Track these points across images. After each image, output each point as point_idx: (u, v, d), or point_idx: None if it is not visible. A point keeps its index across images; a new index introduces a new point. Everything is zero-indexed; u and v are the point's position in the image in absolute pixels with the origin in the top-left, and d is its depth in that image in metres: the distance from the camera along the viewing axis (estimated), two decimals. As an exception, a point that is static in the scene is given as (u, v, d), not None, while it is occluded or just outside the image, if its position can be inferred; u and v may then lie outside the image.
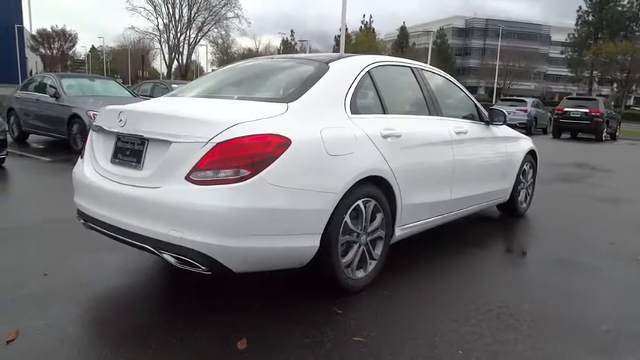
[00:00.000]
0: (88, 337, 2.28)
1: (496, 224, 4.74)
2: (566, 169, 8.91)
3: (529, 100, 19.81)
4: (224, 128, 2.29)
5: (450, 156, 3.55)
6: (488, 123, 4.26)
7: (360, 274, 2.85)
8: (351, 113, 2.83)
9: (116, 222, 2.48)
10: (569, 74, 59.64)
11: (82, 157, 2.93)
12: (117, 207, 2.50)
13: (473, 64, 71.14)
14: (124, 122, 2.59)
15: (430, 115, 3.55)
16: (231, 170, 2.26)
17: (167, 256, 2.33)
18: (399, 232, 3.15)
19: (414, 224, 3.29)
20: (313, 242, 2.51)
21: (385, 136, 2.94)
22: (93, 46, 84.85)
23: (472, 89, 64.52)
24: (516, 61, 60.04)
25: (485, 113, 4.28)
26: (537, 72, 67.23)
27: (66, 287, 2.77)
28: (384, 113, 3.12)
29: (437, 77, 3.92)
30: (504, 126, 4.52)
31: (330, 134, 2.59)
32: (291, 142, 2.38)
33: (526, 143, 4.94)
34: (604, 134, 17.62)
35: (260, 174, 2.27)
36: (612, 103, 22.94)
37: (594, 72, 53.91)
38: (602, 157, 11.93)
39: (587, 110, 17.46)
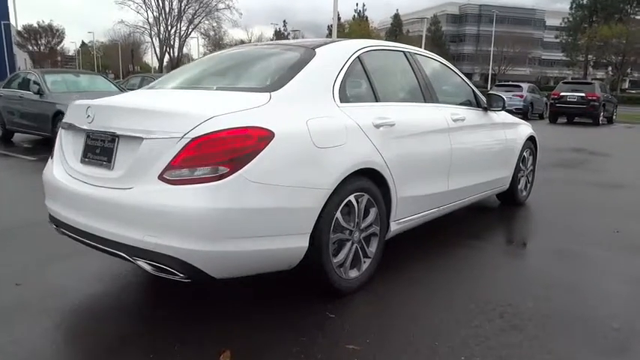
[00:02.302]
0: (58, 354, 2.09)
1: (495, 214, 4.57)
2: (565, 154, 8.74)
3: (525, 86, 19.62)
4: (199, 122, 2.09)
5: (446, 145, 3.36)
6: (486, 109, 4.06)
7: (354, 273, 2.67)
8: (341, 102, 2.64)
9: (87, 227, 2.28)
10: (564, 58, 59.52)
11: (51, 158, 2.73)
12: (87, 211, 2.30)
13: (467, 50, 70.75)
14: (91, 118, 2.38)
15: (425, 102, 3.36)
16: (208, 168, 2.06)
17: (142, 264, 2.14)
18: (394, 227, 2.97)
19: (411, 218, 3.11)
20: (301, 242, 2.33)
21: (378, 126, 2.75)
22: (83, 42, 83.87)
23: (467, 76, 62.90)
24: (511, 47, 59.76)
25: (483, 99, 4.08)
26: (532, 57, 66.98)
27: (39, 298, 2.58)
28: (376, 101, 2.92)
29: (432, 62, 3.71)
30: (503, 112, 4.33)
31: (318, 125, 2.40)
32: (274, 134, 2.18)
33: (525, 129, 4.76)
34: (601, 118, 17.47)
35: (240, 171, 2.07)
36: (608, 87, 22.75)
37: (589, 56, 53.77)
38: (599, 141, 11.78)
39: (583, 94, 17.30)
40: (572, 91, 17.64)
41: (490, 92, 4.20)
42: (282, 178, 2.20)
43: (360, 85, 2.92)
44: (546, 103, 20.16)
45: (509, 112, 4.55)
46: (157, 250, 2.05)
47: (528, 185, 4.93)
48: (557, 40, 60.02)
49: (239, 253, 2.13)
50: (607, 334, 2.30)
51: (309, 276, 2.52)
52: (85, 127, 2.45)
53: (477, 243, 3.62)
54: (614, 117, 19.11)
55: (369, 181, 2.68)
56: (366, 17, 66.57)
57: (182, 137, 2.07)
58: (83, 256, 3.01)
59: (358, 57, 2.90)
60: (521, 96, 18.43)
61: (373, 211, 2.74)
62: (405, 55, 3.37)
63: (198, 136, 2.07)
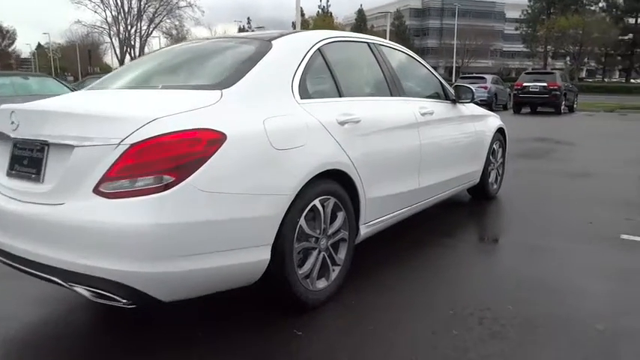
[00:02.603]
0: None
1: (467, 209, 4.44)
2: (531, 144, 8.77)
3: (489, 77, 19.82)
4: (139, 125, 1.83)
5: (416, 140, 3.19)
6: (454, 101, 3.92)
7: (322, 284, 2.46)
8: (301, 98, 2.42)
9: (15, 250, 2.00)
10: (525, 50, 60.85)
11: (-24, 170, 2.41)
12: (15, 231, 2.01)
13: (431, 44, 71.45)
14: (16, 125, 2.09)
15: (392, 95, 3.17)
16: (151, 177, 1.81)
17: (79, 290, 1.87)
18: (364, 231, 2.78)
19: (381, 219, 2.92)
20: (262, 255, 2.10)
21: (342, 123, 2.54)
22: (39, 44, 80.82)
23: (432, 69, 64.77)
24: (473, 40, 60.66)
25: (452, 91, 3.94)
26: (494, 49, 68.14)
27: (-34, 329, 2.27)
28: (340, 96, 2.71)
29: (397, 53, 3.53)
30: (472, 104, 4.20)
31: (276, 124, 2.17)
32: (225, 137, 1.95)
33: (494, 121, 4.65)
34: (562, 107, 17.79)
35: (188, 180, 1.83)
36: (568, 76, 23.26)
37: (548, 47, 55.14)
38: (563, 130, 11.94)
39: (545, 84, 17.57)
40: (535, 81, 17.90)
41: (458, 84, 4.06)
42: (236, 185, 1.97)
43: (321, 79, 2.71)
44: (510, 94, 20.45)
45: (476, 103, 4.44)
46: (92, 273, 1.79)
47: (499, 178, 4.83)
48: (518, 32, 61.29)
49: (190, 273, 1.89)
50: (592, 338, 2.17)
51: (272, 290, 2.30)
52: (11, 134, 2.16)
53: (450, 241, 3.47)
54: (575, 106, 19.50)
55: (335, 183, 2.48)
56: (330, 13, 66.37)
57: (119, 144, 1.82)
58: (20, 278, 2.69)
59: (319, 49, 2.69)
60: (486, 87, 18.59)
61: (341, 215, 2.54)
62: (369, 47, 3.17)
63: (138, 142, 1.81)
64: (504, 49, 72.11)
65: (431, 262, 3.08)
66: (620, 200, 4.62)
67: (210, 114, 2.00)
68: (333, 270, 2.54)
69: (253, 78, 2.27)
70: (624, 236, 3.53)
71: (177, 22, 51.04)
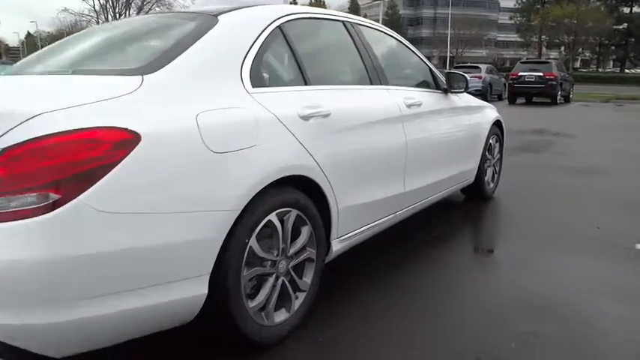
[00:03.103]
0: None
1: (460, 212, 3.98)
2: (529, 136, 8.32)
3: (483, 67, 19.31)
4: (17, 122, 1.34)
5: (400, 136, 2.71)
6: (446, 91, 3.44)
7: (282, 316, 1.99)
8: (253, 87, 1.93)
9: None
10: (519, 39, 60.35)
11: None
12: None
13: (425, 33, 70.76)
14: None
15: (372, 84, 2.69)
16: (30, 195, 1.32)
17: None
18: (337, 246, 2.31)
19: (359, 231, 2.46)
20: (196, 289, 1.63)
21: (306, 117, 2.06)
22: (29, 32, 79.24)
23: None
24: (467, 29, 60.15)
25: (443, 79, 3.46)
26: (488, 39, 67.77)
27: None
28: (305, 84, 2.23)
29: (379, 35, 3.04)
30: (465, 94, 3.72)
31: (213, 120, 1.69)
32: (140, 137, 1.46)
33: (491, 112, 4.18)
34: (558, 97, 17.36)
35: (81, 197, 1.35)
36: (564, 66, 22.81)
37: (542, 36, 54.67)
38: (561, 121, 11.50)
39: (541, 74, 17.11)
40: (530, 70, 17.42)
41: (450, 71, 3.58)
42: (155, 201, 1.49)
43: (282, 63, 2.22)
44: (505, 84, 19.97)
45: (470, 94, 3.98)
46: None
47: (496, 176, 4.37)
48: (512, 22, 60.77)
49: (92, 320, 1.41)
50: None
51: (215, 329, 1.83)
52: None
53: (440, 253, 3.01)
54: (570, 96, 19.08)
55: (298, 192, 2.01)
56: (324, 1, 65.51)
57: (-13, 148, 1.33)
58: None
59: (279, 27, 2.19)
60: (480, 77, 18.07)
61: (306, 231, 2.07)
62: (345, 26, 2.67)
63: (14, 145, 1.33)
64: (499, 39, 71.65)
65: (415, 281, 2.62)
66: (628, 200, 4.18)
67: (122, 107, 1.51)
68: (297, 297, 2.07)
69: (187, 61, 1.77)
70: (640, 246, 3.09)
71: (166, 10, 50.00)
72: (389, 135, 2.63)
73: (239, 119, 1.79)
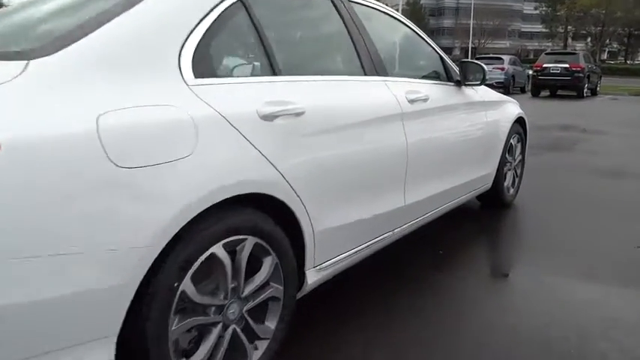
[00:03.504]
0: None
1: (472, 224, 3.46)
2: (554, 133, 7.70)
3: (506, 58, 18.54)
4: None
5: (399, 138, 2.23)
6: (460, 83, 2.92)
7: (233, 376, 1.54)
8: (196, 77, 1.47)
9: None
10: (544, 30, 58.71)
11: None
12: None
13: (447, 24, 69.31)
14: None
15: (366, 74, 2.20)
16: None
17: None
18: (314, 277, 1.85)
19: (343, 256, 1.99)
20: (98, 356, 1.19)
21: (269, 117, 1.59)
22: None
23: (447, 50, 62.82)
24: (490, 19, 58.68)
25: (456, 70, 2.95)
26: (512, 30, 66.06)
27: None
28: (274, 74, 1.75)
29: (378, 16, 2.54)
30: (483, 87, 3.20)
31: (124, 123, 1.22)
32: (-1, 147, 1.02)
33: (512, 108, 3.64)
34: (585, 90, 16.53)
35: None
36: (591, 57, 21.81)
37: (569, 27, 53.00)
38: (589, 116, 10.79)
39: (567, 65, 16.32)
40: (556, 62, 16.63)
41: (465, 60, 3.05)
42: (24, 236, 1.05)
43: (242, 47, 1.76)
44: (528, 76, 19.15)
45: (490, 86, 3.45)
46: None
47: (516, 181, 3.84)
48: (537, 12, 59.10)
49: None
50: None
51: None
52: None
53: (446, 278, 2.52)
54: (598, 89, 18.20)
55: (257, 214, 1.55)
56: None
57: None
58: None
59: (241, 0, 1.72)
60: (503, 68, 17.31)
61: (269, 262, 1.61)
62: (333, 2, 2.18)
63: None
64: (523, 30, 69.80)
65: (416, 319, 2.14)
66: (672, 211, 3.62)
67: (-21, 103, 1.06)
68: (256, 348, 1.62)
69: (96, 43, 1.31)
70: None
71: None
72: (385, 136, 2.14)
73: (166, 121, 1.32)
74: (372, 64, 2.23)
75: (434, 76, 2.83)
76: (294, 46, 2.01)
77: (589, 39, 53.44)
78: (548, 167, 5.12)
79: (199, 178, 1.34)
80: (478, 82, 2.98)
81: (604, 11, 46.22)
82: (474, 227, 3.39)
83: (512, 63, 18.51)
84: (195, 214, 1.32)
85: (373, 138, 2.06)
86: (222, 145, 1.43)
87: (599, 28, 48.86)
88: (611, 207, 3.77)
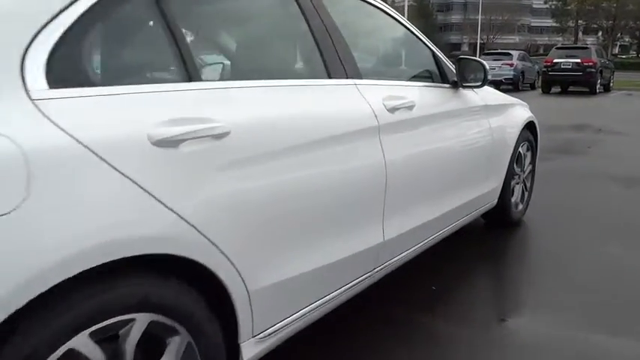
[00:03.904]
0: None
1: (473, 250, 2.93)
2: (566, 134, 7.14)
3: (515, 53, 17.94)
4: None
5: (375, 157, 1.75)
6: (456, 84, 2.43)
7: None
8: (51, 86, 1.00)
9: None
10: (554, 25, 57.82)
11: None
12: None
13: (455, 19, 68.46)
14: None
15: (330, 76, 1.72)
16: None
17: None
18: (253, 351, 1.38)
19: (296, 317, 1.51)
20: None
21: (167, 142, 1.12)
22: None
23: (455, 46, 62.18)
24: (499, 14, 57.82)
25: (452, 68, 2.46)
26: (521, 24, 65.06)
27: None
28: (188, 79, 1.27)
29: (352, 3, 2.06)
30: (486, 87, 2.70)
31: None
32: None
33: (521, 112, 3.15)
34: (597, 86, 15.87)
35: None
36: (604, 52, 21.09)
37: (579, 21, 52.01)
38: (602, 114, 10.20)
39: (578, 60, 15.66)
40: (567, 57, 15.97)
41: (463, 57, 2.55)
42: None
43: (139, 41, 1.29)
44: (538, 72, 18.52)
45: (497, 83, 2.95)
46: None
47: (525, 195, 3.34)
48: (547, 6, 58.14)
49: None
50: None
51: None
52: None
53: (443, 325, 2.04)
54: (611, 84, 17.52)
55: (149, 280, 1.08)
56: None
57: None
58: None
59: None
60: (512, 64, 16.71)
61: (175, 345, 1.15)
62: (286, -15, 1.69)
63: None
64: (532, 25, 68.73)
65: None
66: None
67: None
68: None
69: None
70: None
71: None
72: (354, 157, 1.66)
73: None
74: (339, 63, 1.75)
75: (424, 77, 2.35)
76: (222, 41, 1.54)
77: (600, 33, 52.44)
78: (561, 174, 4.60)
79: (28, 246, 0.88)
80: (479, 83, 2.49)
81: (615, 4, 45.30)
82: (474, 253, 2.88)
83: (522, 59, 17.91)
84: (29, 298, 0.86)
85: (337, 159, 1.58)
86: (76, 188, 0.96)
87: (610, 22, 47.91)
88: (636, 223, 3.25)
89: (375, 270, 1.84)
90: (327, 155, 1.53)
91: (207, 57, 1.37)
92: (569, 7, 51.99)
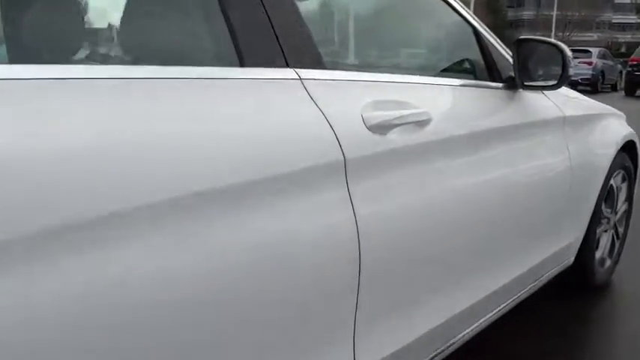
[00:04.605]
0: None
1: (535, 334, 1.98)
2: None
3: (594, 51, 16.17)
4: None
5: (341, 214, 0.87)
6: (513, 84, 1.48)
7: None
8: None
9: None
10: (638, 21, 53.49)
11: None
12: None
13: (527, 15, 65.04)
14: None
15: (242, 64, 0.86)
16: None
17: None
18: None
19: None
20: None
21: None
22: None
23: (525, 44, 58.93)
24: (576, 10, 54.33)
25: (509, 57, 1.51)
26: (600, 21, 60.92)
27: None
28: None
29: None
30: (564, 89, 1.71)
31: None
32: None
33: (615, 127, 2.12)
34: (694, 88, 13.89)
35: None
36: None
37: (669, 16, 47.80)
38: None
39: (669, 59, 13.78)
40: (656, 55, 14.12)
41: (525, 37, 1.57)
42: None
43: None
44: (621, 72, 16.60)
45: (574, 84, 1.96)
46: None
47: (616, 245, 2.30)
48: (630, 1, 54.07)
49: None
50: None
51: None
52: None
53: None
54: None
55: None
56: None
57: None
58: None
59: None
60: (590, 63, 14.97)
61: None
62: None
63: None
64: (613, 21, 64.17)
65: None
66: None
67: None
68: None
69: None
70: None
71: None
72: (289, 226, 0.80)
73: None
74: (269, 39, 0.88)
75: (457, 70, 1.42)
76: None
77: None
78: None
79: None
80: (553, 82, 1.52)
81: None
82: (537, 343, 1.89)
83: (602, 57, 16.11)
84: None
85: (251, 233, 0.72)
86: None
87: None
88: None
89: None
90: (234, 223, 0.67)
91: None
92: (657, 2, 47.95)
